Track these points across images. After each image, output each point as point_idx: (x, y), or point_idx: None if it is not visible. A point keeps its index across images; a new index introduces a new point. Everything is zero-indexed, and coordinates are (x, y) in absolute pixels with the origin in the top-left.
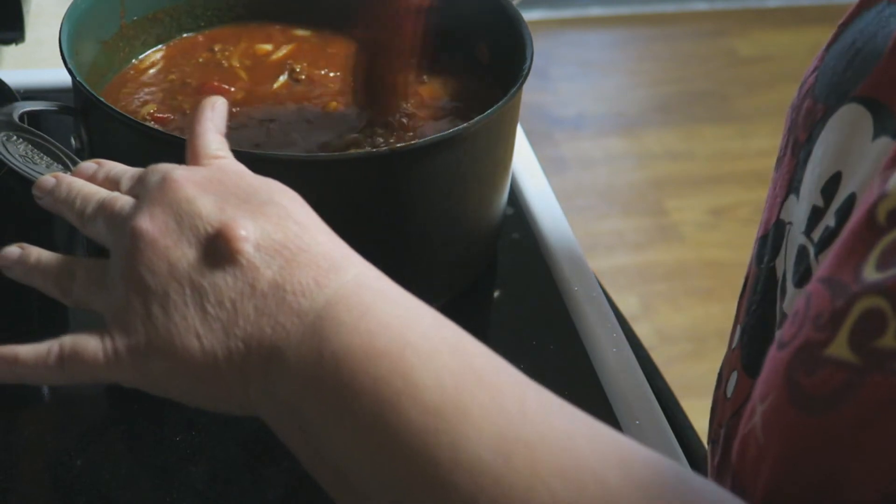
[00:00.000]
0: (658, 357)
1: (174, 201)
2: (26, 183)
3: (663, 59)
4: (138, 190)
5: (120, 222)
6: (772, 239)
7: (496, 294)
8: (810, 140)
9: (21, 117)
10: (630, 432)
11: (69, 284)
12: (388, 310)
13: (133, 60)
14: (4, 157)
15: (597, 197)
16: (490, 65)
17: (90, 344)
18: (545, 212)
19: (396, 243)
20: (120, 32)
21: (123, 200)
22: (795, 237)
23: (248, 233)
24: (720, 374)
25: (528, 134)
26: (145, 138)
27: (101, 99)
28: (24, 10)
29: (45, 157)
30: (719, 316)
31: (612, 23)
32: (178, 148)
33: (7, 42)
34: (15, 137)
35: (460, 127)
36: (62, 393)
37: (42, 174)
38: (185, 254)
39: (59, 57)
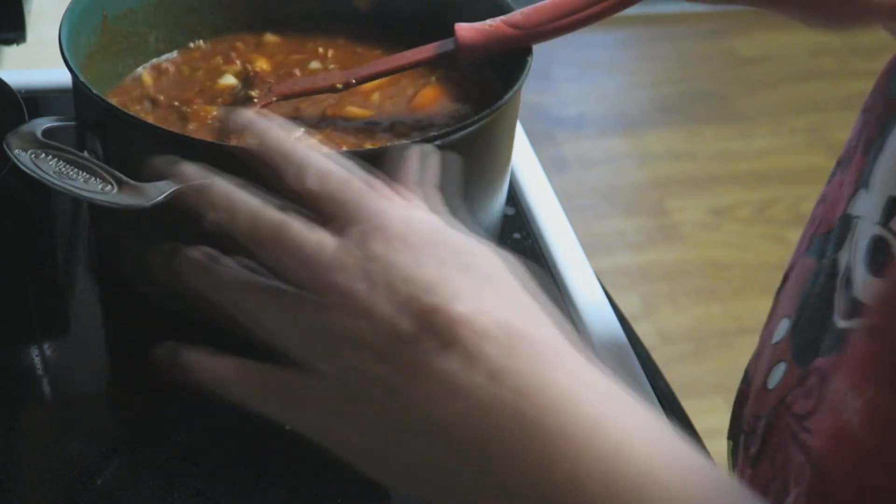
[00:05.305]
0: (659, 357)
1: (392, 265)
2: (36, 184)
3: (664, 59)
4: (336, 230)
5: (317, 271)
6: (837, 233)
7: None
8: (883, 134)
9: (43, 133)
10: None
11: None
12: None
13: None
14: (39, 174)
15: (598, 197)
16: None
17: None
18: (546, 212)
19: None
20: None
21: (322, 239)
22: (867, 228)
23: (467, 310)
24: (748, 369)
25: (530, 134)
26: (177, 146)
27: (127, 111)
28: (26, 10)
29: (80, 171)
30: (720, 316)
31: (613, 23)
32: (210, 152)
33: (8, 42)
34: (43, 155)
35: (458, 126)
36: (63, 393)
37: (81, 189)
38: (396, 325)
39: (60, 57)
